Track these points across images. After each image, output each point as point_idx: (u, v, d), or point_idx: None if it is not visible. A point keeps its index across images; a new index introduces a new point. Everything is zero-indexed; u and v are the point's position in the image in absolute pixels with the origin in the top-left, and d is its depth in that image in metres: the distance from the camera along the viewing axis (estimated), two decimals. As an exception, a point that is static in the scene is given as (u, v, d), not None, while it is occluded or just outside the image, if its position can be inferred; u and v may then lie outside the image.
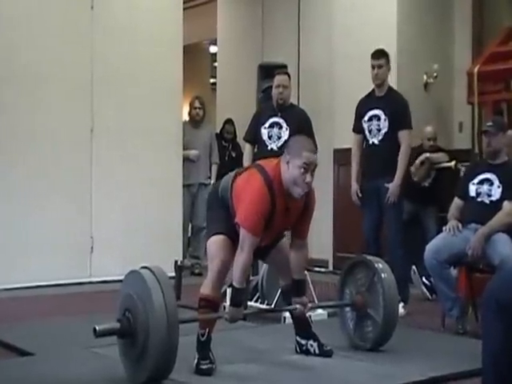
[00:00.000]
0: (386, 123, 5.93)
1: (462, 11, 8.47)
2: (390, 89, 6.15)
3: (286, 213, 3.93)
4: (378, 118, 5.98)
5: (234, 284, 3.84)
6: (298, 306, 4.09)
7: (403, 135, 5.94)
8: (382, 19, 8.13)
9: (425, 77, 8.23)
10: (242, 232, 3.80)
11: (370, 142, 6.04)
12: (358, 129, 6.18)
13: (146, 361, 3.55)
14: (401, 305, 5.80)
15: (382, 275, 4.29)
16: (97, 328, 3.61)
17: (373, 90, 6.17)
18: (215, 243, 3.95)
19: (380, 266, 4.35)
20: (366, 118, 6.06)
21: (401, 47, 7.87)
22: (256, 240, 3.81)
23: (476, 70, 7.48)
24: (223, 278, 4.05)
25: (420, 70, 8.18)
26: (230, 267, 3.94)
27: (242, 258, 3.80)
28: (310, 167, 3.82)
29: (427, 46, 8.27)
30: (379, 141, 5.97)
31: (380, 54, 6.12)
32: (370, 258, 4.48)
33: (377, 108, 6.00)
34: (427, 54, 8.25)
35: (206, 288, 3.96)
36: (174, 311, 3.52)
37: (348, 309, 4.50)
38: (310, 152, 3.87)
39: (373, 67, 6.06)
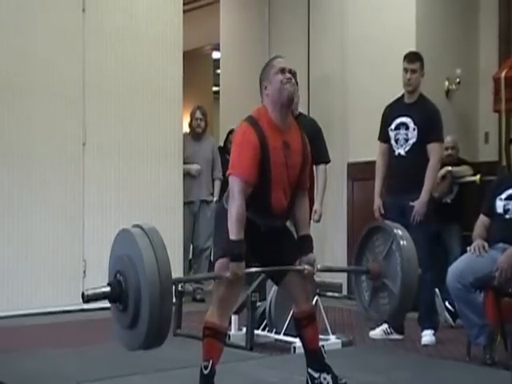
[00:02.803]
0: (415, 133, 5.88)
1: (487, 12, 8.48)
2: (422, 96, 6.09)
3: (286, 150, 3.95)
4: (406, 126, 5.93)
5: (231, 237, 3.79)
6: (306, 266, 4.03)
7: (433, 148, 5.88)
8: (400, 20, 8.14)
9: (446, 83, 8.23)
10: (231, 180, 3.85)
11: (396, 153, 5.99)
12: (384, 137, 6.14)
13: (139, 326, 3.49)
14: (430, 332, 5.81)
15: (401, 243, 4.17)
16: (85, 293, 3.56)
17: (402, 96, 6.14)
18: (223, 266, 3.90)
19: (399, 232, 4.25)
20: (392, 125, 6.02)
21: (420, 51, 7.82)
22: (246, 185, 3.82)
23: (503, 74, 7.49)
24: (232, 304, 4.03)
25: (441, 76, 8.18)
26: (240, 293, 3.91)
27: (233, 207, 3.80)
28: (286, 68, 3.99)
29: (449, 49, 8.27)
30: (406, 152, 5.93)
31: (414, 58, 6.10)
32: (389, 223, 4.42)
33: (405, 115, 5.96)
34: (449, 57, 8.25)
35: (211, 315, 3.93)
36: (167, 272, 3.46)
37: (364, 278, 4.44)
38: (280, 58, 4.10)
39: (405, 71, 6.02)
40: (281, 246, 4.05)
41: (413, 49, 7.65)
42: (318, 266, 4.09)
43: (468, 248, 5.17)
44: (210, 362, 3.87)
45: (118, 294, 3.57)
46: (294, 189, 4.04)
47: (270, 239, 4.01)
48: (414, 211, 5.79)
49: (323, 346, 4.23)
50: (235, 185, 3.82)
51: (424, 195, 5.82)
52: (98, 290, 3.60)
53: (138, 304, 3.46)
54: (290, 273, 4.06)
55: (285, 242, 4.08)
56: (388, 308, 4.24)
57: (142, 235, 3.55)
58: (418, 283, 4.20)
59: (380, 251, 4.32)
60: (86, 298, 3.56)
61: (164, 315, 3.46)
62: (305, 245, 4.08)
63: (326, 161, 6.36)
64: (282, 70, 3.98)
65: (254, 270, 3.86)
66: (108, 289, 3.59)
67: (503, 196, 5.19)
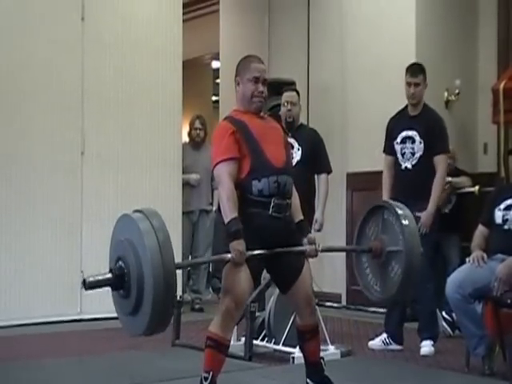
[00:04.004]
0: (422, 146, 5.87)
1: (486, 23, 8.51)
2: (425, 106, 6.06)
3: (262, 120, 4.12)
4: (412, 140, 5.90)
5: (226, 220, 3.83)
6: (307, 246, 4.06)
7: (440, 160, 5.87)
8: (400, 31, 8.18)
9: (446, 94, 8.26)
10: (216, 170, 3.93)
11: (403, 167, 5.96)
12: (389, 150, 6.10)
13: (142, 311, 3.45)
14: (429, 342, 5.81)
15: (392, 207, 4.25)
16: (86, 280, 3.52)
17: (405, 107, 6.10)
18: (232, 271, 3.85)
19: (388, 202, 4.39)
20: (398, 139, 5.98)
21: (419, 61, 7.85)
22: (229, 163, 3.90)
23: (502, 86, 7.51)
24: (237, 317, 4.00)
25: (441, 87, 8.20)
26: (247, 301, 3.87)
27: (222, 190, 3.88)
28: (260, 78, 4.10)
29: (448, 59, 8.29)
30: (413, 165, 5.91)
31: (418, 71, 6.04)
32: (375, 205, 4.45)
33: (410, 129, 5.93)
34: (448, 68, 8.27)
35: (215, 326, 3.89)
36: (170, 256, 3.43)
37: (366, 265, 4.41)
38: (258, 63, 4.17)
39: (408, 85, 5.97)
40: (290, 238, 4.05)
41: (412, 59, 7.69)
42: (320, 246, 4.13)
43: (467, 259, 5.17)
44: (211, 373, 3.84)
45: (119, 280, 3.53)
46: (285, 148, 4.15)
47: (278, 229, 3.98)
48: (420, 223, 5.68)
49: (323, 358, 4.22)
50: (220, 170, 3.91)
51: (431, 207, 5.81)
52: (99, 277, 3.56)
53: (141, 289, 3.42)
54: (297, 283, 4.06)
55: (291, 230, 4.10)
56: (400, 272, 4.15)
57: (143, 219, 3.54)
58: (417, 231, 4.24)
59: (376, 235, 4.34)
60: (88, 285, 3.52)
61: (168, 299, 3.43)
62: (303, 228, 4.17)
63: (328, 171, 6.36)
64: (256, 80, 4.09)
65: (256, 252, 3.86)
66: (109, 275, 3.56)
67: (502, 206, 5.20)
